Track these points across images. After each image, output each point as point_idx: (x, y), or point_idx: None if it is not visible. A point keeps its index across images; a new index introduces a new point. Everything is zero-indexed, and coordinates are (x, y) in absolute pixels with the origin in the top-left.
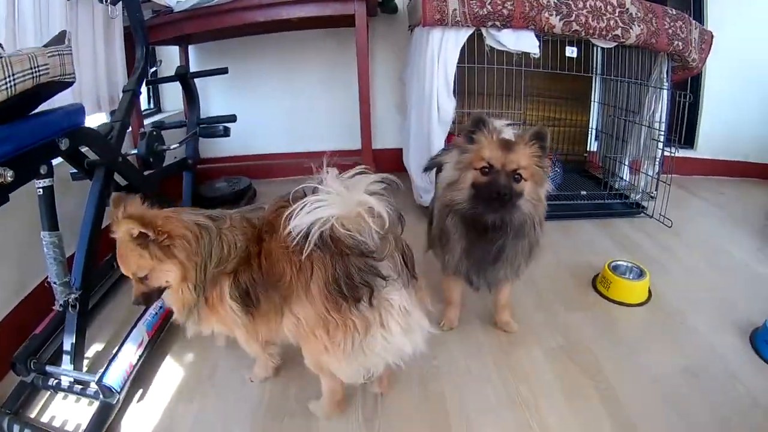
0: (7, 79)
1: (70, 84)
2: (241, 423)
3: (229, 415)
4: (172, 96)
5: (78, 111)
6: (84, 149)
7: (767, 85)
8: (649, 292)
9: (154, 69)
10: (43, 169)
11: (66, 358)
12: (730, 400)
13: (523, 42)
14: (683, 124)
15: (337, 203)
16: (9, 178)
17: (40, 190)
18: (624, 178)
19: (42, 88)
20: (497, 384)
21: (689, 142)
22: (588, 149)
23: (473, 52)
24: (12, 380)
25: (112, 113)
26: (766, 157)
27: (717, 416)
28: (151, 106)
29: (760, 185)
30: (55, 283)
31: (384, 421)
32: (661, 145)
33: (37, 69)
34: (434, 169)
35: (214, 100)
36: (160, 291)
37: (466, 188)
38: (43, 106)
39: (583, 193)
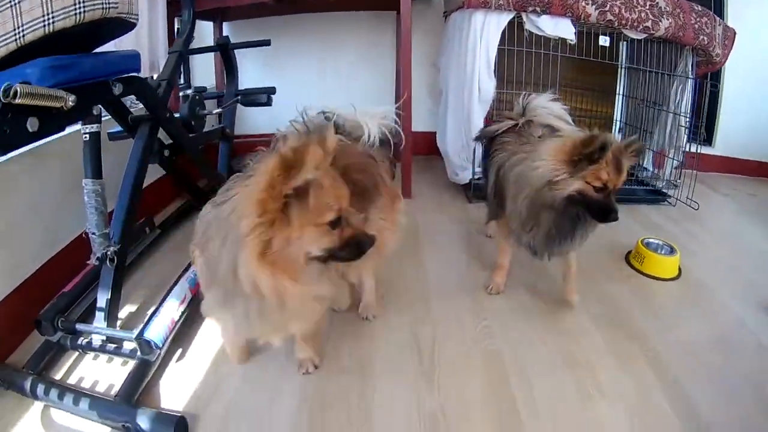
0: (77, 6)
1: (133, 25)
2: (292, 381)
3: (280, 373)
4: (203, 73)
5: (134, 57)
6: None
7: None
8: (679, 269)
9: (195, 47)
10: (95, 110)
11: (99, 315)
12: (761, 369)
13: (561, 28)
14: (703, 121)
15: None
16: (71, 103)
17: (87, 135)
18: (648, 168)
19: (108, 23)
20: (550, 345)
21: (708, 139)
22: None
23: (512, 37)
24: (36, 340)
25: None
26: None
27: (751, 382)
28: (182, 81)
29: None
30: (94, 234)
31: (443, 374)
32: (685, 132)
33: (107, 2)
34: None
35: (248, 75)
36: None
37: (569, 191)
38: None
39: None
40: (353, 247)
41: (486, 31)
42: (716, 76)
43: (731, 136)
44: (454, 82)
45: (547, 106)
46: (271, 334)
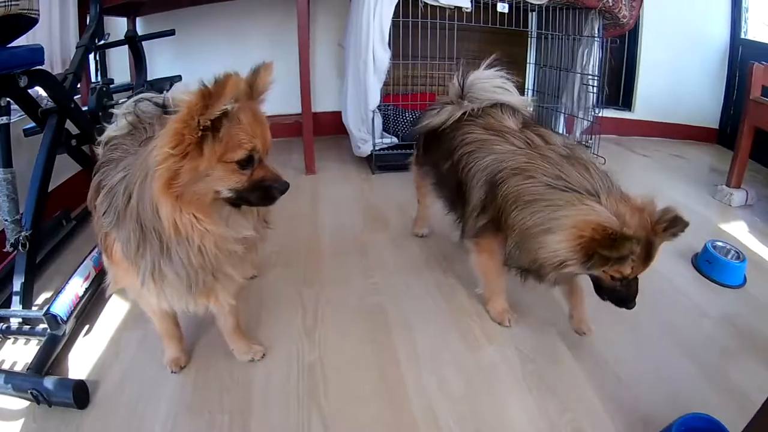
0: None
1: (35, 21)
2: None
3: None
4: (120, 69)
5: (38, 50)
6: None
7: (704, 51)
8: None
9: (102, 42)
10: (3, 101)
11: (15, 299)
12: (676, 311)
13: None
14: (621, 88)
15: None
16: None
17: None
18: (559, 132)
19: (13, 20)
20: (437, 297)
21: (627, 104)
22: None
23: (407, 11)
24: None
25: None
26: (704, 120)
27: (666, 328)
28: (99, 77)
29: (697, 145)
30: (6, 220)
31: (323, 331)
32: (593, 92)
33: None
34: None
35: (160, 66)
36: None
37: (581, 271)
38: None
39: None
40: (262, 191)
41: (380, 2)
42: (634, 42)
43: (650, 100)
44: (352, 56)
45: (486, 80)
46: (196, 298)
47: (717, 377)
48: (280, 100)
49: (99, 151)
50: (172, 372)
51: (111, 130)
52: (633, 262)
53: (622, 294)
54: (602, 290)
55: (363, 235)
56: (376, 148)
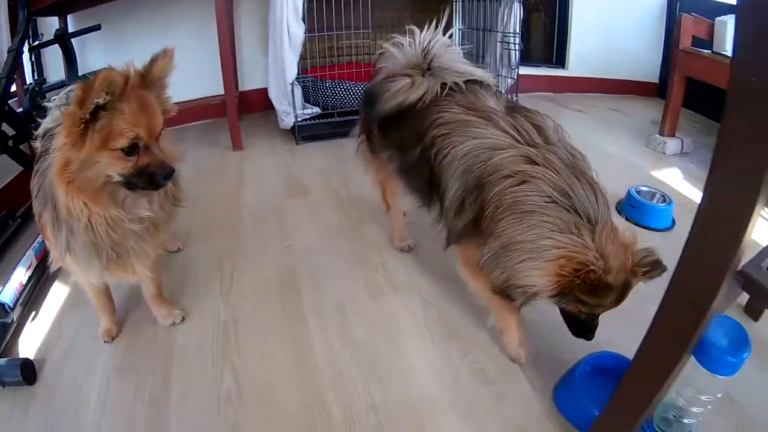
0: None
1: None
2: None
3: None
4: (56, 68)
5: None
6: None
7: (641, 6)
8: None
9: (36, 43)
10: None
11: None
12: None
13: None
14: (553, 45)
15: None
16: None
17: None
18: None
19: None
20: (347, 254)
21: (560, 61)
22: None
23: None
24: None
25: None
26: (643, 74)
27: None
28: (35, 77)
29: (637, 99)
30: None
31: (238, 294)
32: (515, 51)
33: None
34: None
35: (93, 61)
36: None
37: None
38: None
39: None
40: (147, 176)
41: None
42: (564, 4)
43: (584, 56)
44: (270, 32)
45: (452, 49)
46: (114, 270)
47: (638, 320)
48: (210, 82)
49: (37, 144)
50: (105, 342)
51: (46, 123)
52: (606, 307)
53: (585, 326)
54: (564, 316)
55: (282, 203)
56: (299, 119)
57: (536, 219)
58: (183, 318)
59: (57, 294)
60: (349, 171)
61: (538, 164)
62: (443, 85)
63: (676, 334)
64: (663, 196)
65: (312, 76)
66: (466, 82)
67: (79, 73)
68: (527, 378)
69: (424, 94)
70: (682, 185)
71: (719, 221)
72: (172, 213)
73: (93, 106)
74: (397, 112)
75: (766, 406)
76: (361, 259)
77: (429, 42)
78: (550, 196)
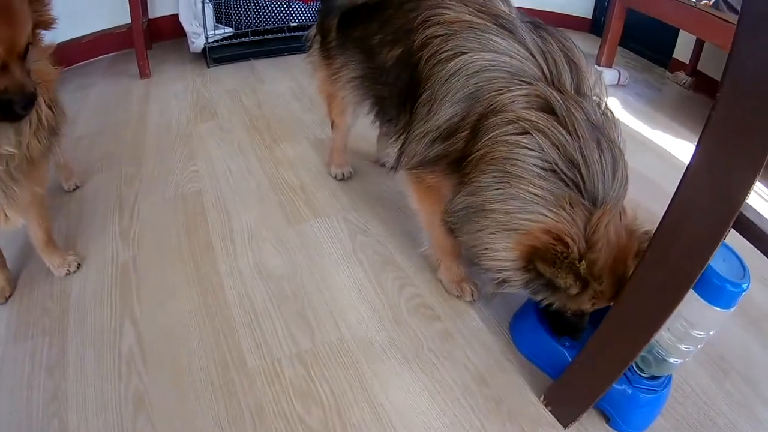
0: None
1: None
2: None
3: None
4: None
5: None
6: None
7: None
8: None
9: None
10: None
11: None
12: None
13: None
14: None
15: None
16: None
17: None
18: None
19: None
20: (260, 176)
21: None
22: None
23: None
24: None
25: None
26: (576, 9)
27: None
28: None
29: (569, 33)
30: None
31: (138, 229)
32: None
33: None
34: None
35: None
36: None
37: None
38: None
39: None
40: (2, 104)
41: None
42: None
43: None
44: None
45: None
46: None
47: None
48: (119, 10)
49: None
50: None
51: None
52: (594, 300)
53: (570, 323)
54: (552, 318)
55: (189, 128)
56: (210, 40)
57: (522, 188)
58: (78, 265)
59: None
60: (264, 92)
61: (555, 115)
62: None
63: (682, 267)
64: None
65: None
66: None
67: None
68: (477, 312)
69: None
70: (622, 114)
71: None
72: (51, 145)
73: None
74: (367, 4)
75: (730, 341)
76: (275, 180)
77: None
78: (549, 162)
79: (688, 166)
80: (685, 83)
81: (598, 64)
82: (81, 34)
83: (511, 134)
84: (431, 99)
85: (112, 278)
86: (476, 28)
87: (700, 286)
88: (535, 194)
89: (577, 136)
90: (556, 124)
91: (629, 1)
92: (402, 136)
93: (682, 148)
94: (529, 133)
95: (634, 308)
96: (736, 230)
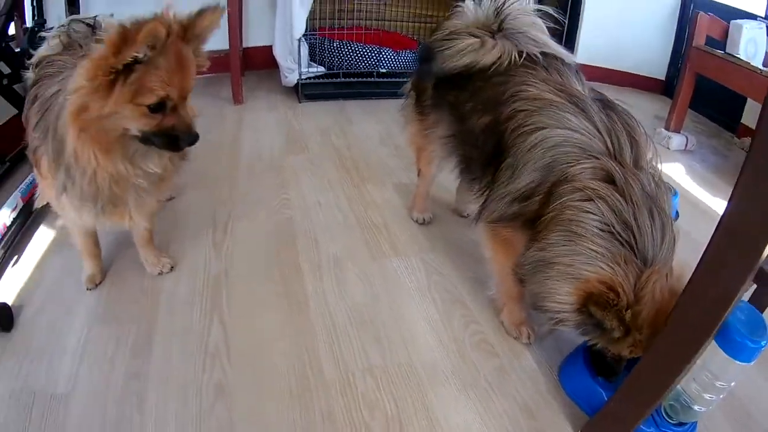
0: None
1: None
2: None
3: None
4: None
5: None
6: None
7: (654, 2)
8: None
9: None
10: None
11: None
12: None
13: None
14: (563, 31)
15: None
16: None
17: None
18: None
19: None
20: (347, 212)
21: (569, 48)
22: None
23: None
24: None
25: None
26: (651, 70)
27: None
28: (35, 18)
29: (642, 94)
30: None
31: (231, 244)
32: None
33: None
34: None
35: (96, 8)
36: None
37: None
38: None
39: None
40: (169, 138)
41: None
42: None
43: (594, 46)
44: None
45: (526, 13)
46: (109, 217)
47: None
48: (216, 36)
49: (29, 74)
50: (88, 289)
51: (42, 51)
52: (632, 347)
53: (608, 365)
54: (591, 353)
55: (281, 158)
56: (303, 77)
57: (584, 245)
58: (172, 267)
59: (41, 238)
60: (353, 133)
61: (615, 184)
62: (520, 53)
63: (703, 318)
64: (669, 188)
65: (320, 34)
66: (544, 54)
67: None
68: (532, 354)
69: (499, 58)
70: (685, 180)
71: (746, 226)
72: (179, 167)
73: (131, 60)
74: (461, 73)
75: (759, 400)
76: (362, 218)
77: (504, 1)
78: (608, 224)
79: (720, 219)
80: None
81: (667, 129)
82: None
83: (577, 200)
84: (514, 165)
85: (203, 284)
86: (554, 106)
87: (723, 341)
88: (594, 251)
89: (633, 203)
90: (615, 192)
91: (699, 67)
92: (485, 194)
93: None
94: (592, 199)
95: (661, 357)
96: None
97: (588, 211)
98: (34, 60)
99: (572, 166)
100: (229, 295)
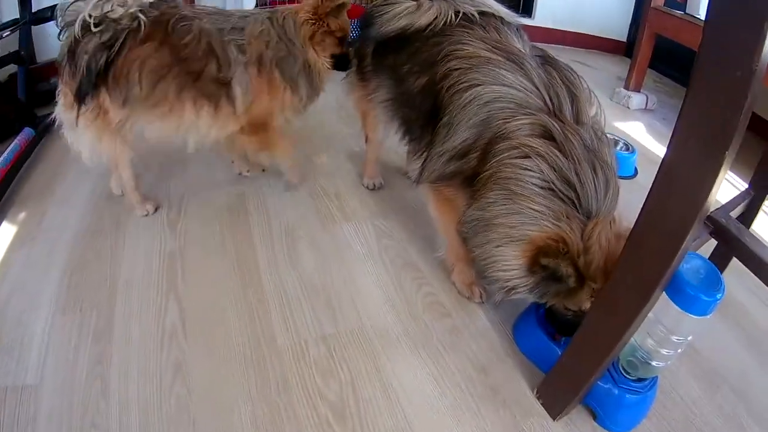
0: None
1: None
2: (61, 252)
3: (52, 248)
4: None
5: None
6: None
7: None
8: None
9: None
10: None
11: None
12: None
13: None
14: None
15: None
16: None
17: None
18: None
19: None
20: (303, 186)
21: (527, 11)
22: None
23: None
24: None
25: None
26: (611, 32)
27: None
28: None
29: (603, 56)
30: None
31: (185, 223)
32: None
33: None
34: None
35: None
36: None
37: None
38: None
39: None
40: (345, 60)
41: None
42: None
43: (552, 8)
44: None
45: None
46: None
47: None
48: None
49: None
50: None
51: None
52: (592, 298)
53: (570, 323)
54: (550, 316)
55: None
56: None
57: (524, 204)
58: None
59: (4, 233)
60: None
61: (554, 140)
62: (457, 12)
63: (648, 269)
64: (626, 145)
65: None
66: (482, 13)
67: (33, 10)
68: (485, 313)
69: (434, 19)
70: (645, 138)
71: (689, 168)
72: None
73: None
74: (398, 36)
75: (725, 357)
76: (313, 188)
77: None
78: (548, 182)
79: (661, 161)
80: None
81: (627, 88)
82: None
83: (515, 158)
84: (449, 123)
85: (159, 263)
86: (491, 63)
87: (675, 294)
88: (536, 210)
89: (573, 158)
90: (554, 149)
91: (658, 28)
92: (424, 154)
93: None
94: (530, 157)
95: (610, 307)
96: (739, 259)
97: (527, 168)
98: None
99: (508, 122)
100: (183, 272)
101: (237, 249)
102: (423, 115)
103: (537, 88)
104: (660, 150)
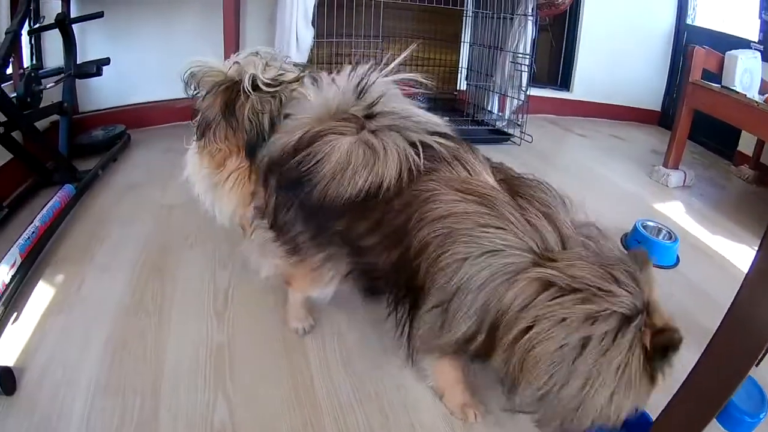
0: None
1: None
2: (99, 328)
3: (91, 319)
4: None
5: None
6: None
7: (647, 35)
8: None
9: (36, 25)
10: None
11: None
12: None
13: None
14: (559, 68)
15: None
16: None
17: None
18: (493, 111)
19: None
20: None
21: (565, 84)
22: (458, 88)
23: None
24: None
25: None
26: (646, 102)
27: None
28: (33, 61)
29: (638, 127)
30: None
31: (235, 312)
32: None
33: None
34: None
35: (92, 48)
36: None
37: None
38: None
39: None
40: None
41: None
42: (575, 23)
43: (590, 81)
44: (278, 34)
45: (390, 87)
46: None
47: None
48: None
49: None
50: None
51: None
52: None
53: None
54: None
55: None
56: None
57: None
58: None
59: (41, 295)
60: None
61: (557, 286)
62: (413, 144)
63: (708, 395)
64: (669, 233)
65: None
66: (432, 133)
67: (78, 61)
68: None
69: (400, 168)
70: (685, 220)
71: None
72: None
73: None
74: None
75: None
76: None
77: (367, 75)
78: (593, 317)
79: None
80: (748, 177)
81: (666, 166)
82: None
83: (547, 331)
84: (443, 312)
85: (207, 354)
86: (468, 219)
87: (720, 414)
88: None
89: (591, 287)
90: (567, 298)
91: (696, 103)
92: (404, 324)
93: (743, 255)
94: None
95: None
96: None
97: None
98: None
99: (506, 292)
100: (232, 367)
101: (287, 345)
102: (399, 287)
103: (518, 236)
104: (699, 232)
